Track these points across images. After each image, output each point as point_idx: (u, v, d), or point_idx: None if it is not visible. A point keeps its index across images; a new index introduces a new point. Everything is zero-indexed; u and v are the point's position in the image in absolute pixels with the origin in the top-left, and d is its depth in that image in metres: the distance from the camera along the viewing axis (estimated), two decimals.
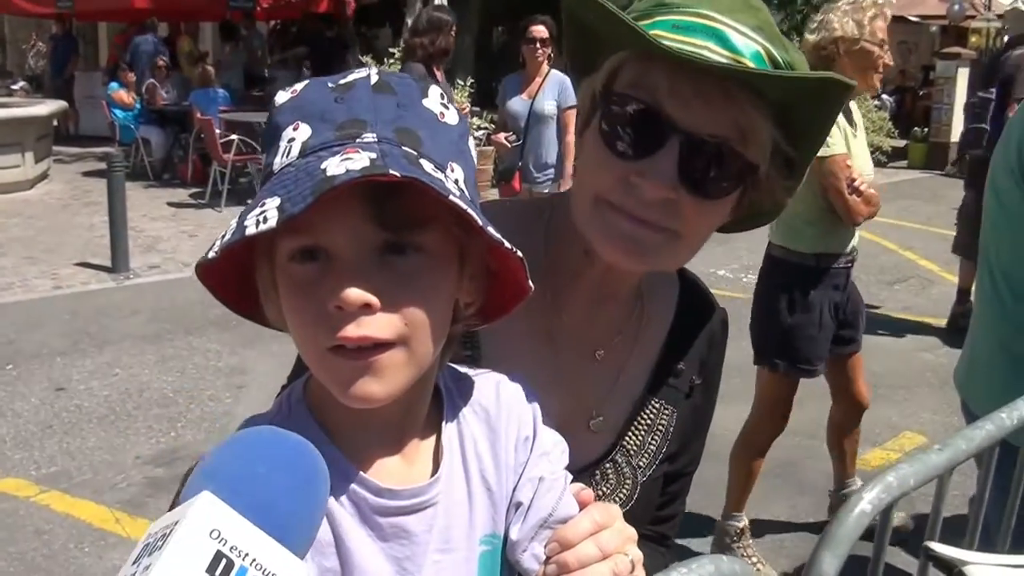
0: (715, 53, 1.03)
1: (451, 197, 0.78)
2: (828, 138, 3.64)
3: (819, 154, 3.93)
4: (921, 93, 19.90)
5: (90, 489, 4.37)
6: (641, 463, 1.22)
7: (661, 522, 1.31)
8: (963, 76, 15.14)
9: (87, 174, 13.51)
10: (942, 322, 7.16)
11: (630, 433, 1.22)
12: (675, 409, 1.25)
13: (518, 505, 0.96)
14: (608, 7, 1.02)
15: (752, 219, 1.20)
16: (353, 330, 0.80)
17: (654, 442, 1.23)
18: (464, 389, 0.98)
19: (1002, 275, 2.25)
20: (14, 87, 18.48)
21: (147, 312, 7.13)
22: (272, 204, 0.76)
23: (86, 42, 21.09)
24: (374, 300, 0.80)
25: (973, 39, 19.21)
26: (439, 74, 6.72)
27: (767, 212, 1.19)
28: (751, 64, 1.03)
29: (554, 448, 1.00)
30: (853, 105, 3.79)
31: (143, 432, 4.98)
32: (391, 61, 11.55)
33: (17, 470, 4.49)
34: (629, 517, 1.11)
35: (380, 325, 0.81)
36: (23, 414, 5.18)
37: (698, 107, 1.01)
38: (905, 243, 10.12)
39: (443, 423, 0.95)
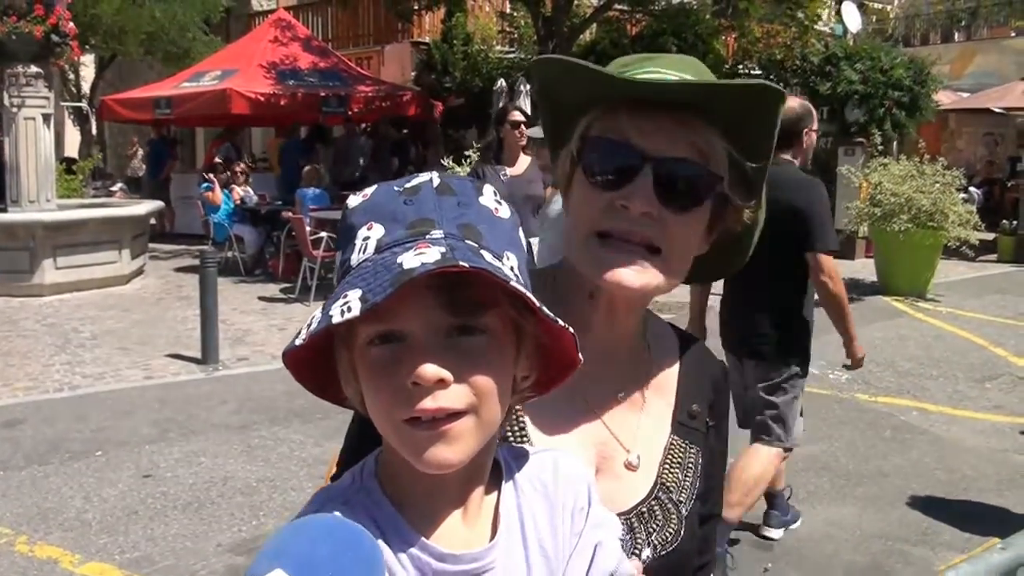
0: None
1: (512, 283, 0.87)
2: None
3: None
4: (1009, 184, 19.44)
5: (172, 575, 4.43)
6: (681, 499, 1.29)
7: (700, 569, 1.36)
8: None
9: (181, 270, 13.98)
10: None
11: (666, 470, 1.29)
12: (699, 448, 1.34)
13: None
14: (576, 62, 1.18)
15: (723, 258, 1.36)
16: (430, 403, 0.88)
17: (688, 478, 1.30)
18: (522, 464, 1.05)
19: None
20: (113, 188, 19.34)
21: (234, 403, 7.27)
22: (354, 295, 0.85)
23: (183, 145, 22.03)
24: (448, 376, 0.88)
25: None
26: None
27: (736, 250, 1.36)
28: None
29: (607, 520, 1.07)
30: None
31: (225, 520, 5.04)
32: (466, 162, 11.78)
33: (101, 554, 4.56)
34: (679, 555, 1.26)
35: (453, 397, 0.89)
36: (109, 499, 5.28)
37: (659, 137, 1.17)
38: (996, 340, 9.76)
39: (501, 492, 1.01)
